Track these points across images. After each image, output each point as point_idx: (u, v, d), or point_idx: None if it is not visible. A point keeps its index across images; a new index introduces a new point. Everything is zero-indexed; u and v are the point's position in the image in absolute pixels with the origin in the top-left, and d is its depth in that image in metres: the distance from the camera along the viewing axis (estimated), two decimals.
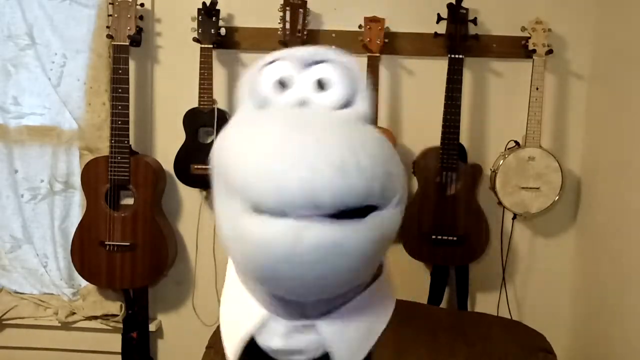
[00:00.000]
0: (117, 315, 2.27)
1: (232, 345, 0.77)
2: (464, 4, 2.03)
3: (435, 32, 2.06)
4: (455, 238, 2.06)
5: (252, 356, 0.77)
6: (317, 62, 0.74)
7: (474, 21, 2.06)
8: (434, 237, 2.06)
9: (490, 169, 2.10)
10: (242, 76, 0.76)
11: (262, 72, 0.75)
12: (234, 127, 0.72)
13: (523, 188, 2.03)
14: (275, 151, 0.61)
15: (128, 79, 2.01)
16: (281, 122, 0.66)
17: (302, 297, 0.69)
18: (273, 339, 0.74)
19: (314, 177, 0.59)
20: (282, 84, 0.72)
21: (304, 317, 0.73)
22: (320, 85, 0.72)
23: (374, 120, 0.76)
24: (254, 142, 0.64)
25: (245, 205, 0.63)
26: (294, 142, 0.62)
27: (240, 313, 0.76)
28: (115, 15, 2.01)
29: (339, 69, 0.73)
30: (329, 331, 0.74)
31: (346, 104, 0.73)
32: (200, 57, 2.03)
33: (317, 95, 0.72)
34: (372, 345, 0.78)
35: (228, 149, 0.68)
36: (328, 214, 0.61)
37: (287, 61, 0.75)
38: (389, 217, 0.67)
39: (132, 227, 2.08)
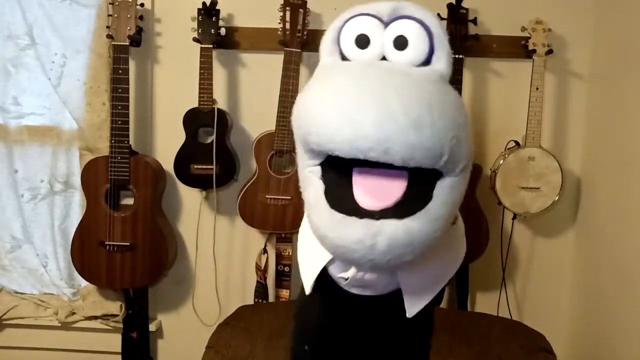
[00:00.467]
0: (117, 315, 2.27)
1: (308, 274, 0.80)
2: (464, 4, 2.03)
3: None
4: None
5: (325, 289, 0.80)
6: (397, 18, 0.74)
7: (474, 21, 2.06)
8: None
9: (490, 169, 2.10)
10: (325, 32, 0.77)
11: (343, 28, 0.76)
12: (314, 80, 0.73)
13: (523, 188, 2.03)
14: (353, 96, 0.63)
15: (128, 79, 2.01)
16: (360, 72, 0.68)
17: (368, 270, 0.74)
18: (346, 270, 0.77)
19: (389, 121, 0.61)
20: (363, 41, 0.73)
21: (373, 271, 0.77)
22: (398, 44, 0.72)
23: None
24: (332, 90, 0.66)
25: (319, 160, 0.67)
26: (373, 89, 0.63)
27: (316, 245, 0.79)
28: (115, 15, 2.01)
29: (418, 27, 0.73)
30: (402, 269, 0.76)
31: (425, 62, 0.73)
32: (200, 57, 2.03)
33: (396, 52, 0.72)
34: (440, 289, 0.81)
35: (306, 101, 0.69)
36: (398, 167, 0.63)
37: (367, 17, 0.75)
38: (456, 186, 0.69)
39: (132, 227, 2.08)
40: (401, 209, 0.65)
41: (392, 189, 0.66)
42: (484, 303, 2.25)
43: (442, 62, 0.74)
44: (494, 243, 2.16)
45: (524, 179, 2.02)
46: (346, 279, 0.77)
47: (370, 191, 0.67)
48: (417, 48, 0.72)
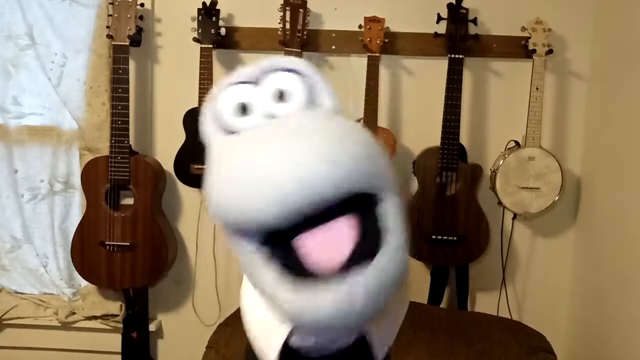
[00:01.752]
0: (117, 315, 2.27)
1: (268, 347, 0.78)
2: (464, 4, 2.03)
3: (435, 32, 2.06)
4: (455, 238, 2.06)
5: (285, 356, 0.77)
6: (266, 74, 0.73)
7: (474, 21, 2.06)
8: (434, 237, 2.06)
9: (490, 169, 2.10)
10: (202, 114, 0.75)
11: (219, 101, 0.74)
12: (215, 165, 0.71)
13: (523, 188, 2.02)
14: (259, 164, 0.61)
15: (128, 79, 2.01)
16: (256, 137, 0.66)
17: (344, 334, 0.71)
18: (307, 340, 0.75)
19: (307, 173, 0.59)
20: (243, 108, 0.72)
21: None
22: (279, 94, 0.71)
23: (345, 113, 0.76)
24: (239, 161, 0.64)
25: (259, 241, 0.64)
26: (275, 148, 0.62)
27: (268, 328, 0.77)
28: (115, 15, 2.01)
29: (288, 75, 0.72)
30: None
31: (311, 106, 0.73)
32: (200, 57, 2.03)
33: (279, 105, 0.71)
34: (399, 327, 0.80)
35: (219, 186, 0.66)
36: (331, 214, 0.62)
37: (237, 85, 0.74)
38: (394, 204, 0.67)
39: (132, 227, 2.08)
40: (360, 256, 0.63)
41: (342, 240, 0.64)
42: (484, 303, 2.25)
43: (327, 101, 0.73)
44: (494, 243, 2.16)
45: (524, 179, 2.02)
46: (306, 348, 0.76)
47: (321, 251, 0.64)
48: (298, 93, 0.71)
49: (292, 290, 0.63)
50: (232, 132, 0.73)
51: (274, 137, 0.64)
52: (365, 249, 0.64)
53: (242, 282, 0.85)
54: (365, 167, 0.63)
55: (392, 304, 0.77)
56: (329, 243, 0.64)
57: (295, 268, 0.64)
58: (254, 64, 0.74)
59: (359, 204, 0.65)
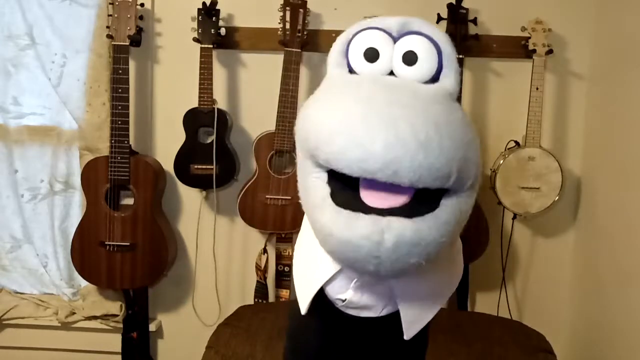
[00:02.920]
0: (117, 315, 2.27)
1: (304, 294, 0.79)
2: (464, 4, 2.03)
3: None
4: None
5: (321, 309, 0.78)
6: (406, 34, 0.74)
7: (474, 21, 2.06)
8: None
9: (490, 169, 2.10)
10: (333, 44, 0.75)
11: (352, 41, 0.74)
12: (320, 94, 0.72)
13: (523, 188, 2.02)
14: (362, 117, 0.63)
15: (128, 79, 2.01)
16: (369, 90, 0.67)
17: (372, 273, 0.71)
18: (344, 291, 0.75)
19: (397, 144, 0.61)
20: (371, 54, 0.72)
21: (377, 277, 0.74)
22: (407, 59, 0.71)
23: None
24: (342, 108, 0.65)
25: (325, 172, 0.66)
26: (381, 109, 0.63)
27: (314, 264, 0.78)
28: (115, 15, 2.01)
29: (428, 43, 0.73)
30: (398, 290, 0.75)
31: (433, 79, 0.73)
32: (200, 57, 2.03)
33: (404, 68, 0.72)
34: (437, 310, 0.80)
35: (314, 116, 0.68)
36: (404, 199, 0.64)
37: (377, 31, 0.75)
38: (463, 202, 0.68)
39: (132, 227, 2.08)
40: (409, 210, 0.64)
41: (399, 194, 0.66)
42: (484, 303, 2.25)
43: (450, 79, 0.73)
44: (494, 243, 2.16)
45: (524, 179, 2.02)
46: (343, 300, 0.76)
47: (377, 193, 0.66)
48: (426, 64, 0.72)
49: (336, 209, 0.65)
50: (353, 71, 0.74)
51: (387, 102, 0.65)
52: (416, 209, 0.65)
53: (301, 227, 0.85)
54: (453, 168, 0.64)
55: (425, 285, 0.77)
56: (386, 192, 0.66)
57: (347, 198, 0.66)
58: (399, 16, 0.75)
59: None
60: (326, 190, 0.67)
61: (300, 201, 0.73)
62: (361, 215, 0.63)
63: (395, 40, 0.74)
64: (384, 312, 0.78)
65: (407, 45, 0.72)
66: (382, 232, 0.62)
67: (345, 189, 0.67)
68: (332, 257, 0.70)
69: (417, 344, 0.89)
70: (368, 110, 0.63)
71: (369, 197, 0.66)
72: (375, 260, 0.63)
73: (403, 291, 0.76)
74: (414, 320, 0.78)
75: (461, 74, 1.96)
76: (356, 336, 0.84)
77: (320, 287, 0.78)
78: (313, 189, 0.69)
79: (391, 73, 0.73)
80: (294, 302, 0.83)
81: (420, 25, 0.74)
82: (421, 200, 0.65)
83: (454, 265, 0.85)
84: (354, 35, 0.75)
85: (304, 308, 0.79)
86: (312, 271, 0.78)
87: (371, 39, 0.74)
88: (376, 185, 0.65)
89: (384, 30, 0.74)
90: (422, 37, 0.73)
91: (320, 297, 0.79)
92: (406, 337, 0.77)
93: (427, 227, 0.64)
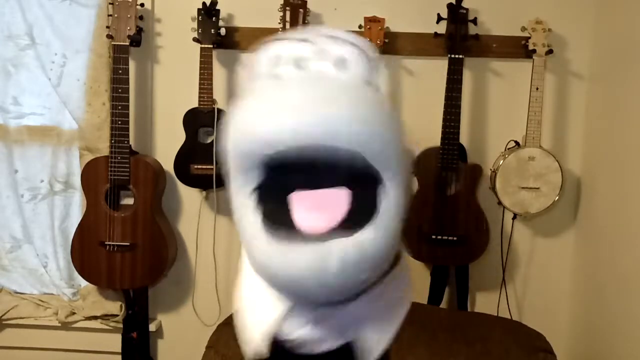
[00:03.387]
0: (117, 315, 2.27)
1: (253, 338, 0.76)
2: (464, 4, 2.03)
3: (435, 32, 2.06)
4: (455, 238, 2.05)
5: (272, 352, 0.76)
6: (332, 41, 0.74)
7: (474, 21, 2.06)
8: (433, 237, 2.06)
9: (490, 169, 2.10)
10: (243, 64, 0.75)
11: (269, 50, 0.73)
12: (242, 99, 0.71)
13: (523, 188, 2.02)
14: (287, 94, 0.64)
15: (128, 79, 2.01)
16: (291, 80, 0.68)
17: (324, 301, 0.70)
18: (292, 330, 0.74)
19: (323, 118, 0.62)
20: (299, 61, 0.71)
21: (326, 306, 0.73)
22: (340, 62, 0.71)
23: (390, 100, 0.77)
24: (265, 95, 0.66)
25: (255, 175, 0.65)
26: (305, 84, 0.65)
27: (262, 306, 0.75)
28: (115, 15, 2.01)
29: (354, 49, 0.72)
30: (348, 320, 0.74)
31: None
32: (200, 57, 2.03)
33: (338, 73, 0.71)
34: (393, 335, 0.78)
35: (239, 113, 0.68)
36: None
37: (301, 43, 0.74)
38: (397, 195, 0.67)
39: (132, 227, 2.08)
40: (347, 226, 0.63)
41: (334, 207, 0.64)
42: (484, 303, 2.25)
43: (381, 85, 0.74)
44: (494, 243, 2.16)
45: (524, 179, 2.02)
46: (293, 340, 0.75)
47: (312, 212, 0.64)
48: (357, 65, 0.71)
49: (270, 240, 0.63)
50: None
51: (310, 80, 0.66)
52: (354, 222, 0.63)
53: (240, 261, 0.84)
54: (376, 138, 0.64)
55: (381, 308, 0.76)
56: (320, 206, 0.64)
57: (282, 223, 0.64)
58: (312, 28, 0.75)
59: (361, 180, 0.65)
60: (257, 217, 0.65)
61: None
62: (299, 245, 0.61)
63: (322, 50, 0.73)
64: (337, 344, 0.76)
65: (333, 50, 0.72)
66: (325, 258, 0.60)
67: (278, 212, 0.65)
68: (275, 287, 0.68)
69: None
70: (292, 88, 0.64)
71: (303, 219, 0.64)
72: (323, 290, 0.62)
73: (355, 319, 0.75)
74: (372, 346, 0.76)
75: (460, 65, 1.98)
76: None
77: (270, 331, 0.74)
78: (243, 216, 0.67)
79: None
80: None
81: (345, 35, 0.74)
82: (357, 209, 0.64)
83: (401, 286, 0.82)
84: (269, 49, 0.74)
85: (254, 352, 0.75)
86: (261, 312, 0.75)
87: (290, 49, 0.73)
88: (309, 198, 0.64)
89: (308, 41, 0.74)
90: (349, 45, 0.73)
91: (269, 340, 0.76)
92: None
93: (368, 239, 0.63)
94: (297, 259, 0.61)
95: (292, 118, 0.61)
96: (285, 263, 0.62)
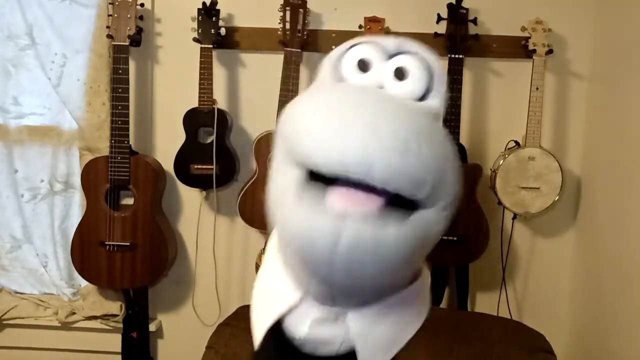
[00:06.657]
0: (117, 315, 2.27)
1: (259, 325, 0.77)
2: (464, 4, 2.03)
3: (435, 32, 2.06)
4: (455, 238, 2.05)
5: (277, 345, 0.77)
6: (401, 52, 0.75)
7: (474, 21, 2.06)
8: None
9: (490, 169, 2.10)
10: (326, 57, 0.77)
11: (347, 52, 0.75)
12: (306, 95, 0.72)
13: (523, 188, 2.03)
14: (343, 114, 0.63)
15: (128, 79, 2.01)
16: (354, 92, 0.68)
17: (334, 289, 0.69)
18: (300, 326, 0.74)
19: (375, 143, 0.60)
20: (363, 66, 0.73)
21: (335, 305, 0.73)
22: (398, 74, 0.73)
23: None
24: (324, 106, 0.65)
25: (300, 171, 0.65)
26: (365, 108, 0.64)
27: (273, 293, 0.76)
28: (115, 15, 2.01)
29: (420, 62, 0.74)
30: (357, 325, 0.74)
31: (421, 98, 0.74)
32: (200, 57, 2.03)
33: (394, 83, 0.73)
34: (398, 351, 0.78)
35: (296, 113, 0.68)
36: (377, 198, 0.63)
37: (373, 44, 0.75)
38: (434, 220, 0.67)
39: (132, 227, 2.08)
40: (374, 217, 0.63)
41: (366, 202, 0.64)
42: (484, 303, 2.25)
43: (437, 100, 0.74)
44: (494, 243, 2.16)
45: (524, 179, 2.02)
46: (300, 337, 0.75)
47: (346, 196, 0.64)
48: (416, 81, 0.73)
49: (301, 200, 0.64)
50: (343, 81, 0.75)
51: (372, 103, 0.65)
52: (379, 219, 0.63)
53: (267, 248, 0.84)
54: (429, 179, 0.63)
55: (385, 322, 0.76)
56: (353, 198, 0.65)
57: (313, 197, 0.65)
58: (390, 37, 0.77)
59: (401, 199, 0.65)
60: (296, 187, 0.67)
61: (267, 205, 0.73)
62: (324, 211, 0.63)
63: (389, 57, 0.75)
64: (342, 350, 0.77)
65: (399, 62, 0.74)
66: (340, 234, 0.61)
67: (316, 190, 0.66)
68: (289, 249, 0.69)
69: None
70: (351, 109, 0.64)
71: (337, 198, 0.65)
72: (326, 265, 0.62)
73: (362, 327, 0.75)
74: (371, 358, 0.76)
75: (460, 65, 1.98)
76: None
77: (278, 319, 0.75)
78: (282, 186, 0.69)
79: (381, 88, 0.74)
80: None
81: (414, 47, 0.76)
82: (390, 213, 0.64)
83: (417, 304, 0.83)
84: (349, 47, 0.76)
85: (258, 340, 0.76)
86: (271, 300, 0.76)
87: (366, 51, 0.75)
88: (345, 190, 0.64)
89: (380, 45, 0.76)
90: (415, 57, 0.75)
91: (276, 335, 0.77)
92: None
93: (387, 237, 0.62)
94: (317, 221, 0.62)
95: (358, 150, 0.60)
96: (305, 221, 0.63)
